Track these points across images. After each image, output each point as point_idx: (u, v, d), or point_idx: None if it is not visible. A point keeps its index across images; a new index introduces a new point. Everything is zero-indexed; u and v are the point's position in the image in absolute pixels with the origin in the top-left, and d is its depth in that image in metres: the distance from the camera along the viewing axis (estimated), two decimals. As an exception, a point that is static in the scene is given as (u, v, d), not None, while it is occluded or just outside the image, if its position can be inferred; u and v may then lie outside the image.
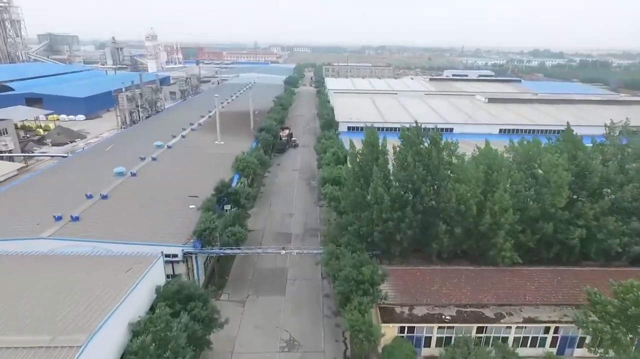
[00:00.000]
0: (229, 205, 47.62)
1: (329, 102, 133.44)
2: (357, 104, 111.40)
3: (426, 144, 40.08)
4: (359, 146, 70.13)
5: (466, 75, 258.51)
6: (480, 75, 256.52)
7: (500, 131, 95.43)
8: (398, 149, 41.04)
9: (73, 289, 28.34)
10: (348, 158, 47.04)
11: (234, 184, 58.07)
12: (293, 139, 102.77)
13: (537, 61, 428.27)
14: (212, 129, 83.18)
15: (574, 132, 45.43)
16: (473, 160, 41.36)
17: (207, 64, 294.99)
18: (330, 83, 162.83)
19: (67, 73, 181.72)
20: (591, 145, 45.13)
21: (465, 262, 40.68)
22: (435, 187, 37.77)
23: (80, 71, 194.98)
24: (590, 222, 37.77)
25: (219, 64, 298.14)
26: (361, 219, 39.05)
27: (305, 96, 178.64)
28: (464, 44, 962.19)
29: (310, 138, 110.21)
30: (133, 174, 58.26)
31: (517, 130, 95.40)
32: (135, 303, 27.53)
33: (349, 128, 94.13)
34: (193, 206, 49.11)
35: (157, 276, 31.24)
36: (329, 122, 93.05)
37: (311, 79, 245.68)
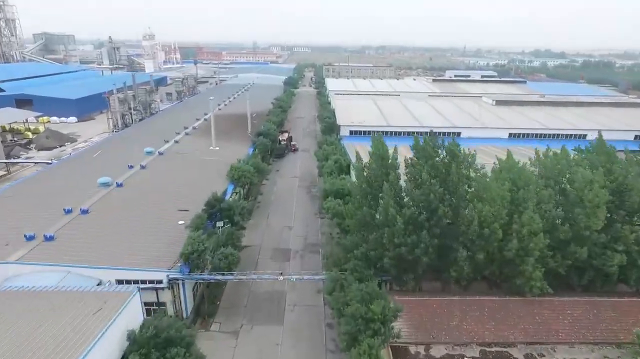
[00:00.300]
0: (222, 222, 42.93)
1: (329, 103, 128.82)
2: (359, 106, 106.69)
3: (443, 156, 35.38)
4: (364, 154, 65.44)
5: (468, 76, 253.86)
6: (482, 76, 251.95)
7: (510, 135, 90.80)
8: (411, 161, 36.35)
9: (31, 338, 23.64)
10: (353, 171, 42.29)
11: (228, 196, 53.44)
12: (292, 143, 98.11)
13: (538, 61, 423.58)
14: (207, 133, 78.46)
15: (595, 139, 40.86)
16: (494, 174, 36.64)
17: (206, 64, 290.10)
18: (331, 84, 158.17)
19: (61, 73, 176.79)
20: (623, 155, 40.52)
21: (485, 288, 36.12)
22: (454, 206, 33.10)
23: (75, 71, 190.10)
24: (630, 247, 33.12)
25: (217, 64, 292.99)
26: (369, 241, 34.41)
27: (305, 97, 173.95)
28: (465, 45, 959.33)
29: (311, 142, 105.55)
30: (119, 185, 53.57)
31: (528, 134, 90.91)
32: (102, 356, 22.86)
33: (351, 132, 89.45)
34: (182, 222, 44.47)
35: (132, 316, 26.56)
36: (330, 126, 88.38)
37: (311, 79, 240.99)
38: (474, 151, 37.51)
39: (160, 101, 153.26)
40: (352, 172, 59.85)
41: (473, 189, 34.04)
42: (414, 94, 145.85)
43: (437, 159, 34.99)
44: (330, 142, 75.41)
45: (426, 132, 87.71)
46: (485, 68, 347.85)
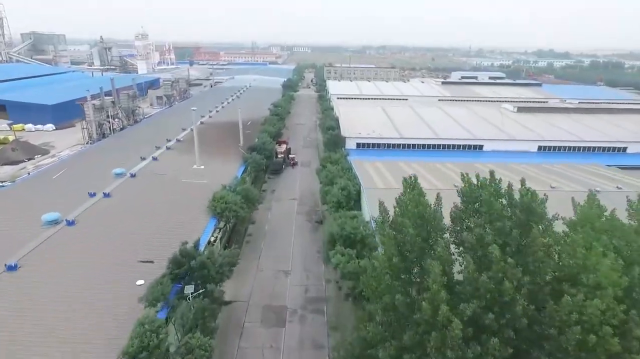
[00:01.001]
0: (192, 287, 31.27)
1: (332, 109, 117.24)
2: (365, 114, 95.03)
3: (508, 209, 23.63)
4: (376, 176, 53.49)
5: (476, 77, 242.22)
6: (490, 77, 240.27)
7: (540, 148, 79.20)
8: (459, 216, 24.60)
9: None
10: (377, 236, 30.15)
11: (207, 236, 41.85)
12: (291, 156, 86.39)
13: (544, 62, 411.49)
14: (192, 147, 66.77)
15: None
16: (581, 235, 24.74)
17: (202, 64, 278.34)
18: (333, 87, 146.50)
19: (46, 75, 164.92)
20: None
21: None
22: (535, 295, 21.36)
23: (62, 73, 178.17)
24: None
25: (214, 64, 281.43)
26: (402, 339, 22.72)
27: (306, 101, 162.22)
28: (465, 44, 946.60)
29: (312, 153, 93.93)
30: (70, 224, 41.98)
31: (559, 147, 79.23)
32: None
33: (358, 145, 77.89)
34: (141, 283, 32.95)
35: None
36: (333, 139, 76.67)
37: (311, 80, 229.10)
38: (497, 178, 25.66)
39: (151, 105, 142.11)
40: (364, 204, 48.26)
41: (561, 263, 22.29)
42: (424, 99, 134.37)
43: (504, 211, 23.19)
44: (334, 160, 63.73)
45: (445, 146, 76.21)
46: (491, 69, 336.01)
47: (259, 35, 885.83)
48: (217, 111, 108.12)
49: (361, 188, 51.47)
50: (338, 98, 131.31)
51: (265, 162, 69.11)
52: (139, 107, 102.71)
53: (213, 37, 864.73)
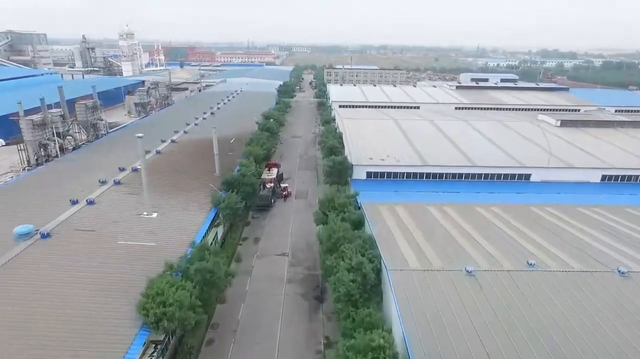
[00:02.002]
0: None
1: (333, 120, 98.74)
2: (375, 129, 76.60)
3: None
4: (406, 224, 36.59)
5: (487, 80, 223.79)
6: (503, 80, 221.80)
7: (604, 178, 60.74)
8: None
9: None
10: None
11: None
12: (283, 185, 68.01)
13: (552, 62, 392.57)
14: (151, 180, 48.16)
15: None
16: None
17: (194, 66, 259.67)
18: (335, 92, 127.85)
19: (13, 79, 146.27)
20: None
21: None
22: None
23: (32, 76, 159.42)
24: None
25: (207, 66, 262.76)
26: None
27: (304, 108, 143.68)
28: (464, 45, 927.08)
29: (309, 178, 75.61)
30: None
31: (629, 177, 60.79)
32: None
33: (369, 174, 59.46)
34: None
35: None
36: (337, 169, 57.86)
37: (310, 83, 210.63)
38: None
39: (128, 113, 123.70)
40: (392, 304, 29.91)
41: None
42: (439, 107, 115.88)
43: None
44: (340, 204, 45.27)
45: (482, 175, 57.71)
46: (499, 70, 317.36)
47: (258, 36, 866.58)
48: (195, 124, 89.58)
49: (383, 269, 33.09)
50: (340, 106, 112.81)
51: (245, 203, 50.60)
52: (101, 120, 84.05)
53: (212, 37, 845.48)
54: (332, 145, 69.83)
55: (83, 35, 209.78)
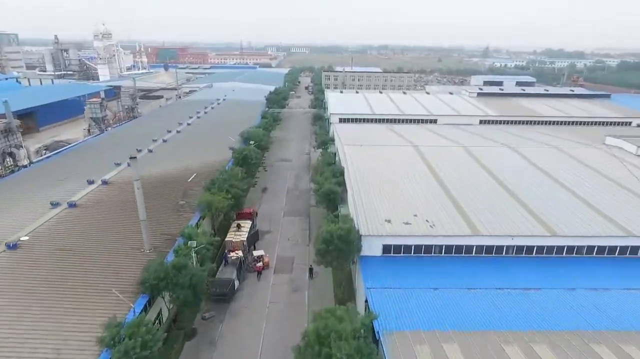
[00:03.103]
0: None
1: (332, 141, 77.03)
2: (391, 165, 54.65)
3: None
4: None
5: (501, 83, 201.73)
6: (519, 83, 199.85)
7: None
8: None
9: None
10: None
11: None
12: (257, 254, 46.00)
13: (563, 62, 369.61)
14: (43, 257, 26.43)
15: None
16: None
17: (182, 68, 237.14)
18: (334, 101, 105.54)
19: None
20: None
21: None
22: None
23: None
24: None
25: (196, 68, 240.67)
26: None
27: (298, 119, 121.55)
28: (465, 44, 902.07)
29: (298, 230, 53.80)
30: None
31: None
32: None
33: (386, 249, 37.46)
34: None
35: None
36: (337, 249, 35.55)
37: (306, 88, 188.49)
38: None
39: (88, 128, 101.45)
40: None
41: None
42: (460, 120, 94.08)
43: None
44: (339, 317, 23.29)
45: (566, 248, 35.41)
46: (507, 70, 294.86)
47: (256, 36, 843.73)
48: (150, 150, 67.43)
49: None
50: (341, 120, 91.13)
51: (164, 340, 28.60)
52: (20, 146, 62.03)
53: (211, 38, 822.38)
54: (329, 190, 47.83)
55: (55, 36, 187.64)
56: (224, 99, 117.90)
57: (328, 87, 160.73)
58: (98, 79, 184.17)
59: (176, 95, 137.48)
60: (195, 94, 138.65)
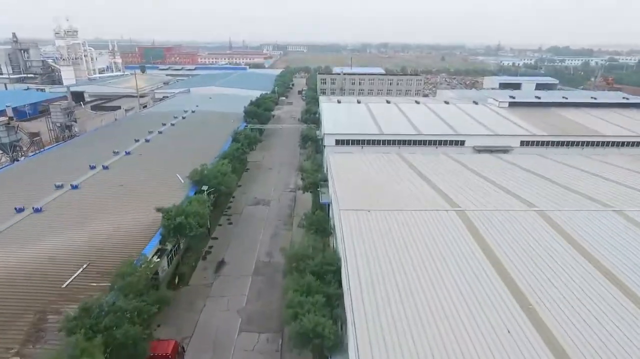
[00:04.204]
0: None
1: (325, 183, 53.27)
2: (421, 259, 30.33)
3: None
4: None
5: (519, 85, 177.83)
6: (539, 85, 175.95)
7: None
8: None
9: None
10: None
11: None
12: None
13: (577, 60, 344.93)
14: None
15: None
16: None
17: (163, 70, 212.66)
18: (330, 118, 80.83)
19: None
20: None
21: None
22: None
23: None
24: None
25: (179, 69, 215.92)
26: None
27: (284, 136, 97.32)
28: (465, 42, 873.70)
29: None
30: None
31: None
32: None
33: None
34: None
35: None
36: None
37: (300, 93, 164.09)
38: None
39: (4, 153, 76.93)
40: None
41: None
42: (496, 141, 70.24)
43: None
44: None
45: None
46: (523, 72, 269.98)
47: (254, 34, 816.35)
48: (37, 209, 43.06)
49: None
50: (338, 142, 67.40)
51: None
52: None
53: (203, 36, 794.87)
54: (315, 325, 23.74)
55: (13, 34, 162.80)
56: (192, 112, 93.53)
57: (324, 92, 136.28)
58: (61, 83, 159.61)
59: (141, 105, 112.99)
60: (162, 103, 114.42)
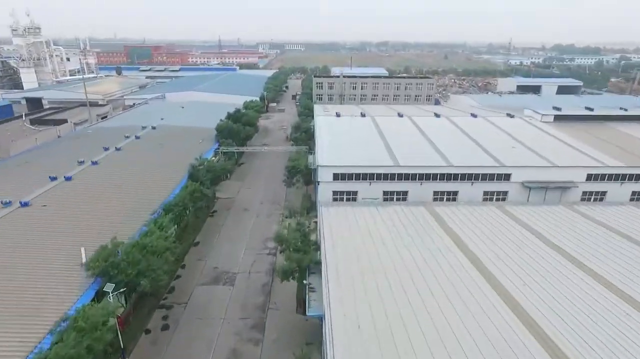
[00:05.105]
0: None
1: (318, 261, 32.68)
2: None
3: None
4: None
5: (539, 87, 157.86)
6: (561, 87, 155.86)
7: None
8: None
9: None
10: None
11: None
12: None
13: (590, 59, 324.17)
14: None
15: None
16: None
17: (144, 71, 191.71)
18: (327, 141, 60.43)
19: None
20: None
21: None
22: None
23: None
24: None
25: (162, 70, 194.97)
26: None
27: (272, 159, 76.80)
28: (467, 40, 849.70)
29: None
30: None
31: None
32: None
33: None
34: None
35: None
36: None
37: (294, 97, 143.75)
38: None
39: None
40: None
41: None
42: (558, 176, 50.26)
43: None
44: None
45: None
46: (532, 73, 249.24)
47: (252, 33, 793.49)
48: None
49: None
50: (338, 176, 47.68)
51: None
52: None
53: (203, 35, 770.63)
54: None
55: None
56: (152, 129, 72.98)
57: (320, 99, 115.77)
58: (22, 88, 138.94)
59: (99, 116, 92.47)
60: (124, 114, 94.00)
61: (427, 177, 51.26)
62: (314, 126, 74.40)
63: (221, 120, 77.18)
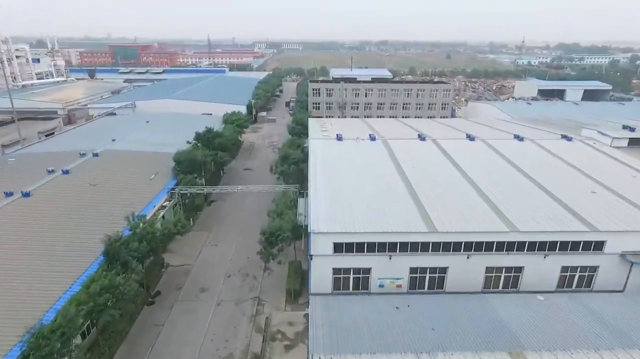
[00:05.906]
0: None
1: None
2: None
3: None
4: None
5: (563, 91, 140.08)
6: (587, 91, 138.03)
7: None
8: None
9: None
10: None
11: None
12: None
13: (603, 58, 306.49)
14: None
15: None
16: None
17: (124, 73, 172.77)
18: (323, 184, 42.73)
19: None
20: None
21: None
22: None
23: None
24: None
25: (143, 72, 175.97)
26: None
27: (251, 204, 58.49)
28: (467, 39, 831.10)
29: None
30: None
31: None
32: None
33: None
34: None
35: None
36: None
37: (287, 104, 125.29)
38: None
39: None
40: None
41: None
42: None
43: None
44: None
45: None
46: (537, 72, 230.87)
47: (251, 32, 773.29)
48: None
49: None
50: (340, 247, 29.50)
51: None
52: None
53: (197, 35, 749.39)
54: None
55: None
56: (93, 156, 54.36)
57: (317, 108, 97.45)
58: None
59: (43, 132, 73.94)
60: (73, 130, 75.22)
61: (476, 247, 33.23)
62: (307, 148, 56.24)
63: (188, 142, 58.89)
